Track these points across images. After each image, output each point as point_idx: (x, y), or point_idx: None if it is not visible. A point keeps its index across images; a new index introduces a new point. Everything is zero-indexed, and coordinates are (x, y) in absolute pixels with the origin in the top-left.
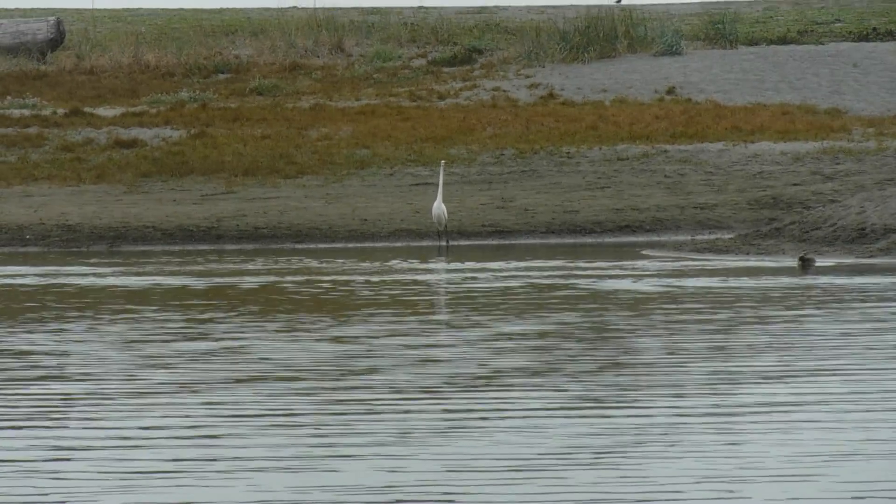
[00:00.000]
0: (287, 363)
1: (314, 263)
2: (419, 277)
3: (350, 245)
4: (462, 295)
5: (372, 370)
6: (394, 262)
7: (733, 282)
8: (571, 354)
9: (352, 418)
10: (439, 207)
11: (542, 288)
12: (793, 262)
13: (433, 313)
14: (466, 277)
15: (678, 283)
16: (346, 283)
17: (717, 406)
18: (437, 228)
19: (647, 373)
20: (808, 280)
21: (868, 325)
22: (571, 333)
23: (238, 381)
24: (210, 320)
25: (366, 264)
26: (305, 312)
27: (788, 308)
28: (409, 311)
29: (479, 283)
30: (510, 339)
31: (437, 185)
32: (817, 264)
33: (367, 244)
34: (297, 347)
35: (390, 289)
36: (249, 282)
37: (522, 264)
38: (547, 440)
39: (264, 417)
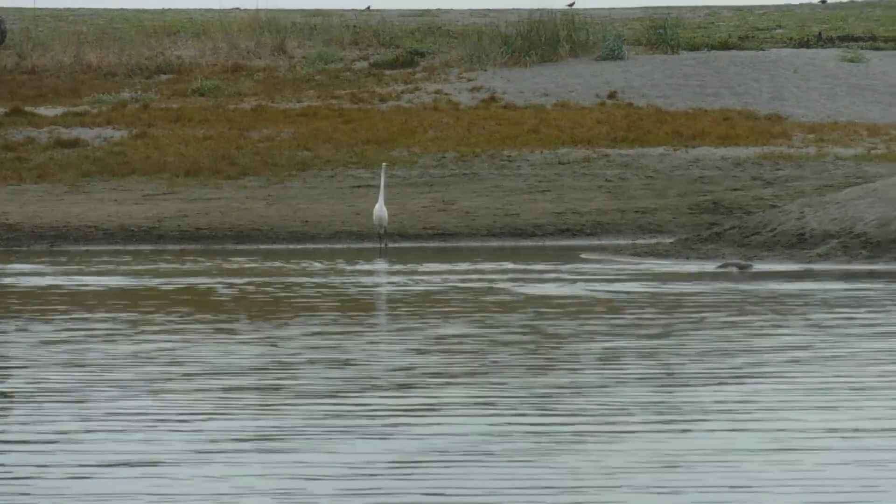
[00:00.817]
0: (203, 364)
1: (251, 264)
2: (353, 279)
3: (291, 246)
4: (393, 297)
5: (289, 372)
6: (329, 263)
7: (670, 286)
8: (498, 358)
9: (250, 421)
10: (381, 209)
11: (479, 291)
12: (713, 267)
13: (362, 315)
14: (402, 280)
15: (614, 288)
16: (280, 284)
17: (651, 408)
18: (378, 231)
19: (578, 378)
20: (746, 286)
21: (803, 331)
22: (501, 337)
23: (146, 381)
24: (137, 322)
25: (297, 265)
26: (233, 314)
27: (725, 313)
28: (339, 313)
29: (415, 285)
30: (437, 341)
31: (379, 187)
32: (754, 269)
33: (308, 245)
34: (218, 350)
35: (323, 290)
36: (183, 283)
37: (463, 266)
38: (437, 441)
39: (160, 419)
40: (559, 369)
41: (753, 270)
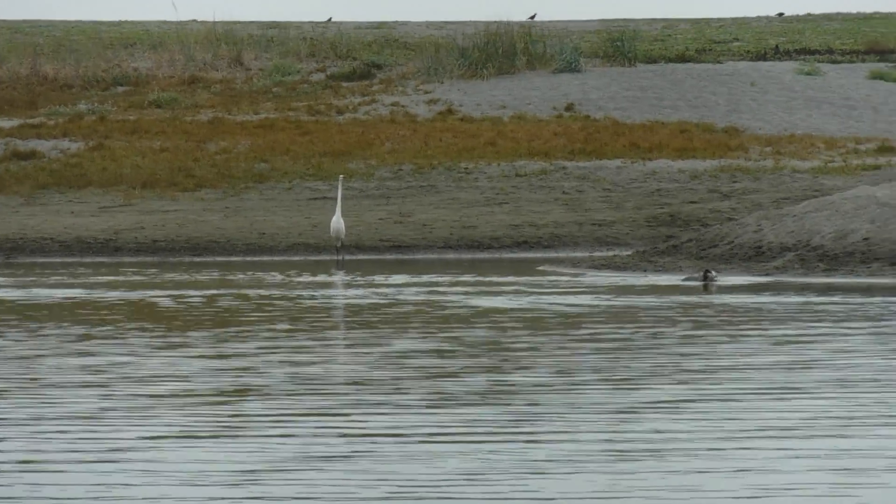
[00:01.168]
0: (140, 377)
1: (205, 277)
2: (306, 292)
3: (248, 258)
4: (347, 310)
5: (235, 386)
6: (283, 276)
7: (626, 299)
8: (453, 370)
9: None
10: (338, 222)
11: (434, 304)
12: (678, 280)
13: (313, 328)
14: (355, 293)
15: (571, 301)
16: (232, 297)
17: (608, 412)
18: (335, 243)
19: (538, 393)
20: (705, 298)
21: (758, 345)
22: (457, 350)
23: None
24: (83, 336)
25: (250, 278)
26: (182, 326)
27: (683, 326)
28: (291, 325)
29: (368, 298)
30: (393, 355)
31: (336, 199)
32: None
33: (265, 258)
34: (163, 362)
35: (274, 303)
36: (136, 296)
37: (422, 279)
38: (340, 441)
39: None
40: (515, 384)
41: (718, 283)
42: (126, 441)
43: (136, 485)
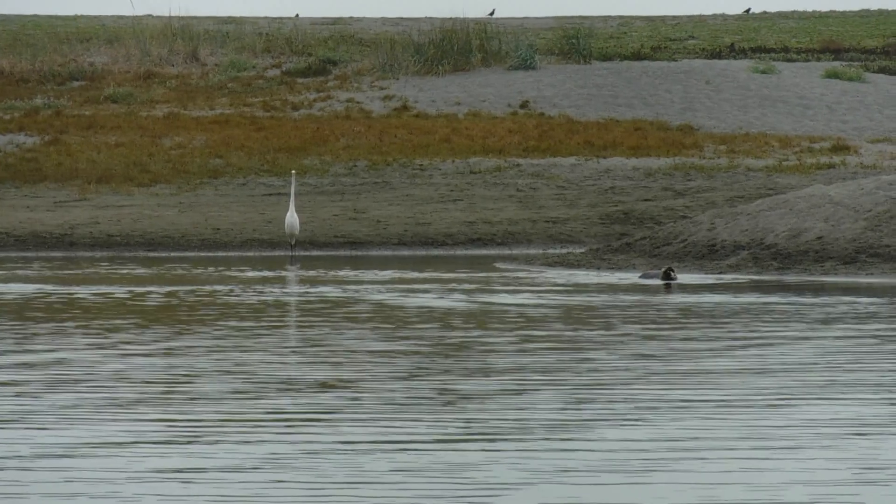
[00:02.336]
0: (78, 375)
1: (157, 272)
2: (255, 288)
3: (203, 254)
4: (291, 306)
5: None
6: (234, 271)
7: (579, 297)
8: (395, 369)
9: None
10: (292, 217)
11: (382, 303)
12: (635, 277)
13: (259, 326)
14: (306, 289)
15: (524, 300)
16: (183, 292)
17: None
18: (290, 240)
19: (488, 398)
20: (658, 296)
21: (704, 344)
22: (397, 350)
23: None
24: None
25: (202, 273)
26: (121, 322)
27: (634, 324)
28: (237, 321)
29: (314, 294)
30: (338, 351)
31: (290, 195)
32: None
33: (219, 253)
34: (98, 357)
35: (218, 300)
36: (88, 291)
37: (376, 276)
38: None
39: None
40: (464, 382)
41: (678, 281)
42: (45, 446)
43: (55, 493)
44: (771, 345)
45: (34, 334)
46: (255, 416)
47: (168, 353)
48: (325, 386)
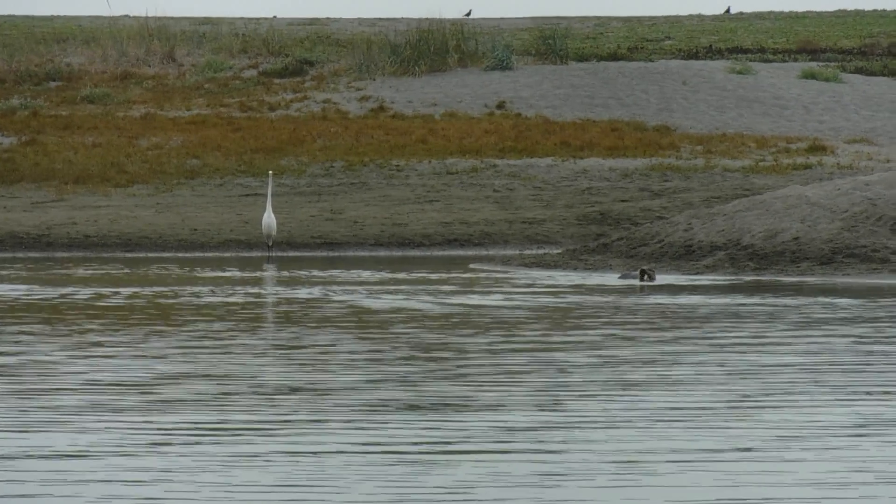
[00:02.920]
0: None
1: (116, 273)
2: (230, 289)
3: (180, 254)
4: (262, 307)
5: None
6: (211, 272)
7: (555, 298)
8: (369, 371)
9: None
10: (269, 218)
11: (359, 304)
12: (614, 278)
13: (232, 328)
14: (276, 291)
15: (496, 301)
16: (159, 294)
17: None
18: (267, 240)
19: (458, 390)
20: (634, 298)
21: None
22: (383, 352)
23: None
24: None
25: (177, 274)
26: (95, 324)
27: (611, 326)
28: (205, 323)
29: (291, 294)
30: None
31: (266, 195)
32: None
33: (196, 254)
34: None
35: (191, 301)
36: (62, 292)
37: (351, 276)
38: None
39: None
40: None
41: (656, 282)
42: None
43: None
44: (746, 346)
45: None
46: (221, 419)
47: (134, 355)
48: (293, 390)
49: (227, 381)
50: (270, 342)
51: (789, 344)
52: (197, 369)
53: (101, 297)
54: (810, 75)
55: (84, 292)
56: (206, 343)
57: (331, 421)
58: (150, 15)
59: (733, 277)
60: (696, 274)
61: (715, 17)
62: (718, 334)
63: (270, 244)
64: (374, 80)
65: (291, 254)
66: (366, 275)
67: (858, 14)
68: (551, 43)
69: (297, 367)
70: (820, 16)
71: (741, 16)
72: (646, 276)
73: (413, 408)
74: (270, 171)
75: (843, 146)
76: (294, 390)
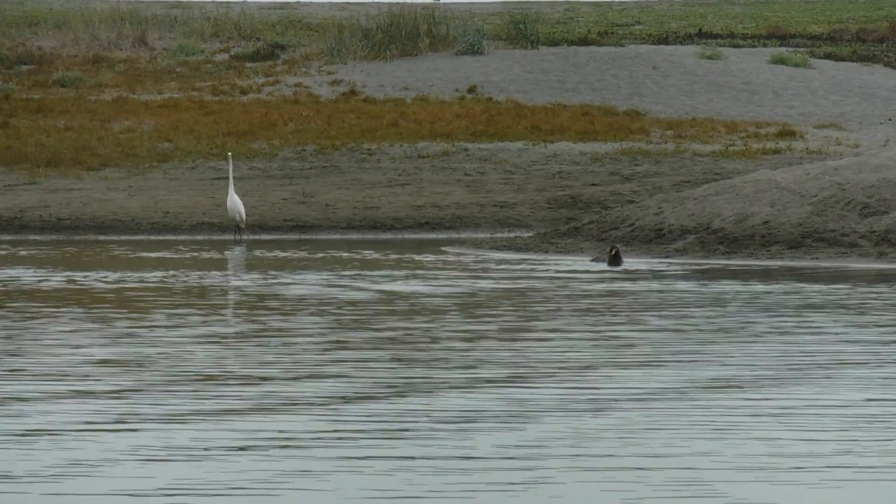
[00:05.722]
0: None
1: (86, 255)
2: (193, 272)
3: (152, 237)
4: (237, 294)
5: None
6: (178, 254)
7: (527, 281)
8: (332, 358)
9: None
10: (232, 200)
11: (334, 288)
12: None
13: (198, 314)
14: (244, 275)
15: (467, 284)
16: (122, 278)
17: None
18: (238, 223)
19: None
20: (608, 281)
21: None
22: (352, 340)
23: None
24: None
25: (144, 257)
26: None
27: (583, 309)
28: (170, 308)
29: (255, 280)
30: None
31: (228, 178)
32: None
33: (169, 237)
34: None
35: (154, 286)
36: (30, 277)
37: (322, 259)
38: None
39: None
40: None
41: (623, 266)
42: None
43: None
44: (717, 331)
45: None
46: (185, 406)
47: (96, 342)
48: (262, 379)
49: (181, 368)
50: (233, 328)
51: (755, 327)
52: (154, 356)
53: (69, 281)
54: (780, 60)
55: (49, 276)
56: (164, 331)
57: (302, 405)
58: None
59: (704, 261)
60: (667, 257)
61: (685, 3)
62: (691, 319)
63: (243, 226)
64: (346, 64)
65: (263, 237)
66: (338, 255)
67: (827, 0)
68: (522, 28)
69: (262, 353)
70: (789, 1)
71: (710, 1)
72: (616, 259)
73: (389, 393)
74: (230, 153)
75: (813, 131)
76: (262, 379)
